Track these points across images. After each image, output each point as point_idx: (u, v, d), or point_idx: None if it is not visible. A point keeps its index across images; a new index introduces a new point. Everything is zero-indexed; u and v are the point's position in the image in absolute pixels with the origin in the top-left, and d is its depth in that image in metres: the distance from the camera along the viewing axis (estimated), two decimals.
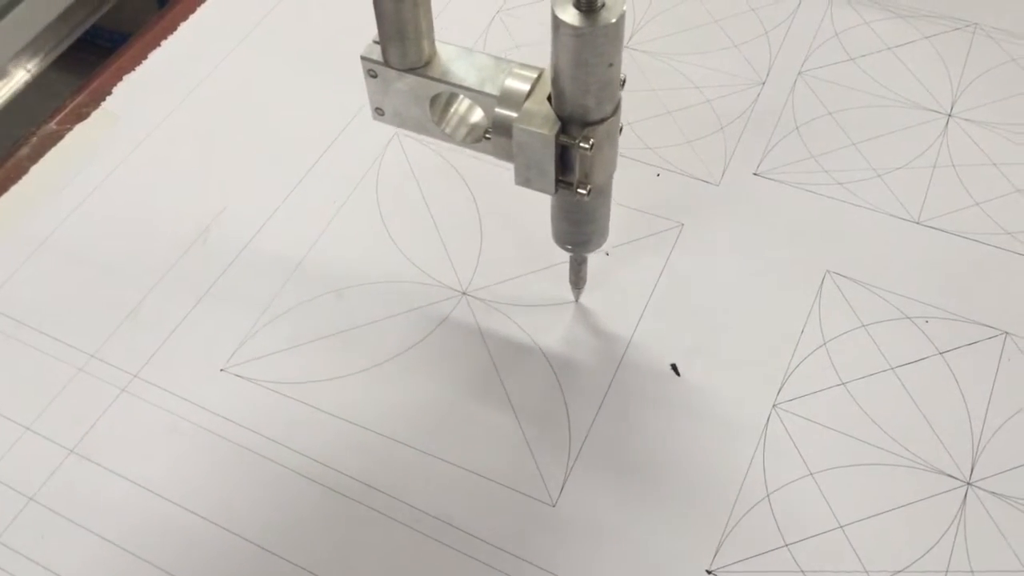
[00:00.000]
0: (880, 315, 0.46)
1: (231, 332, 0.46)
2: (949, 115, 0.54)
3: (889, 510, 0.40)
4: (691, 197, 0.51)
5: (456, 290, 0.48)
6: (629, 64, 0.57)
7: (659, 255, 0.48)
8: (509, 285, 0.48)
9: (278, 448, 0.43)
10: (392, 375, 0.45)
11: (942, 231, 0.49)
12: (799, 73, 0.56)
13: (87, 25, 0.63)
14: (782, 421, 0.43)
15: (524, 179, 0.38)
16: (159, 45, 0.59)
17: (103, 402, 0.44)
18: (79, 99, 0.56)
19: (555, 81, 0.35)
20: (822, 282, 0.47)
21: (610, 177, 0.39)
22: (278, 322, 0.47)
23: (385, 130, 0.54)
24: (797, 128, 0.53)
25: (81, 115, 0.55)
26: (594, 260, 0.48)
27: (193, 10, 0.61)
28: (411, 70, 0.38)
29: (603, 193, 0.40)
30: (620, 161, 0.52)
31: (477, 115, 0.39)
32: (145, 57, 0.58)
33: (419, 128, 0.40)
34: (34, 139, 0.54)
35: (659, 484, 0.41)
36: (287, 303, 0.47)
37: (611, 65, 0.34)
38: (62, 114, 0.56)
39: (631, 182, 0.51)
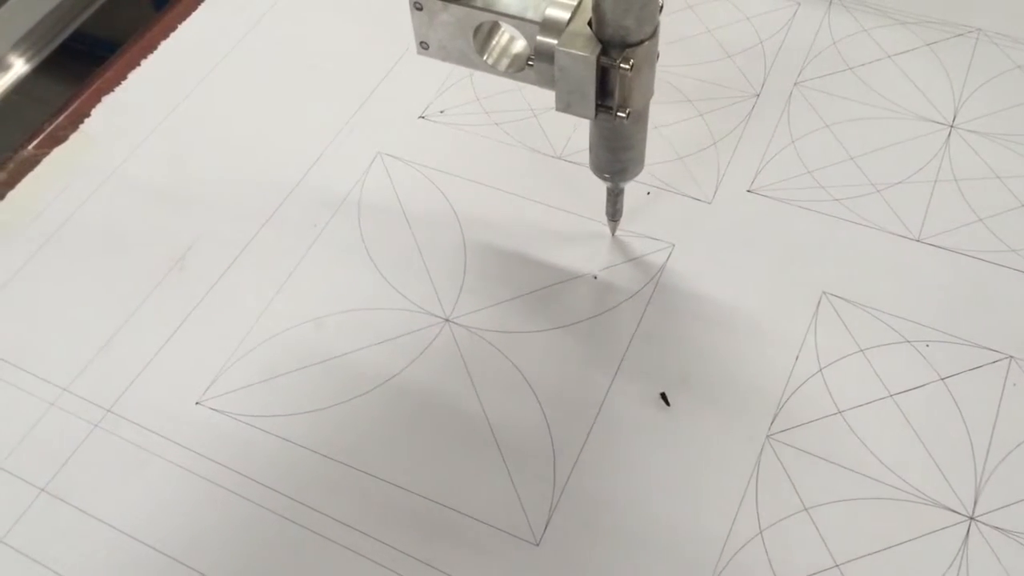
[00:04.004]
0: (879, 339, 0.44)
1: (207, 364, 0.45)
2: (951, 126, 0.52)
3: (888, 547, 0.39)
4: (682, 216, 0.49)
5: (439, 317, 0.46)
6: None
7: (648, 277, 0.47)
8: (494, 311, 0.46)
9: (253, 485, 0.41)
10: (372, 407, 0.43)
11: (944, 249, 0.47)
12: (795, 84, 0.54)
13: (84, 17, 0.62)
14: (776, 453, 0.41)
15: (565, 104, 0.39)
16: (138, 64, 0.57)
17: (76, 438, 0.43)
18: (57, 121, 0.55)
19: (597, 4, 0.36)
20: (818, 304, 0.45)
21: (648, 102, 0.40)
22: (255, 353, 0.45)
23: (368, 151, 0.53)
24: (793, 142, 0.51)
25: (58, 139, 0.54)
26: (582, 286, 0.47)
27: (174, 28, 0.59)
28: (456, 1, 0.40)
29: (641, 119, 0.41)
30: None
31: (518, 45, 0.41)
32: (124, 77, 0.57)
33: (463, 61, 0.42)
34: (11, 164, 0.53)
35: (647, 521, 0.40)
36: (265, 333, 0.46)
37: None
38: (40, 137, 0.54)
39: None
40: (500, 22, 0.40)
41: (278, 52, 0.58)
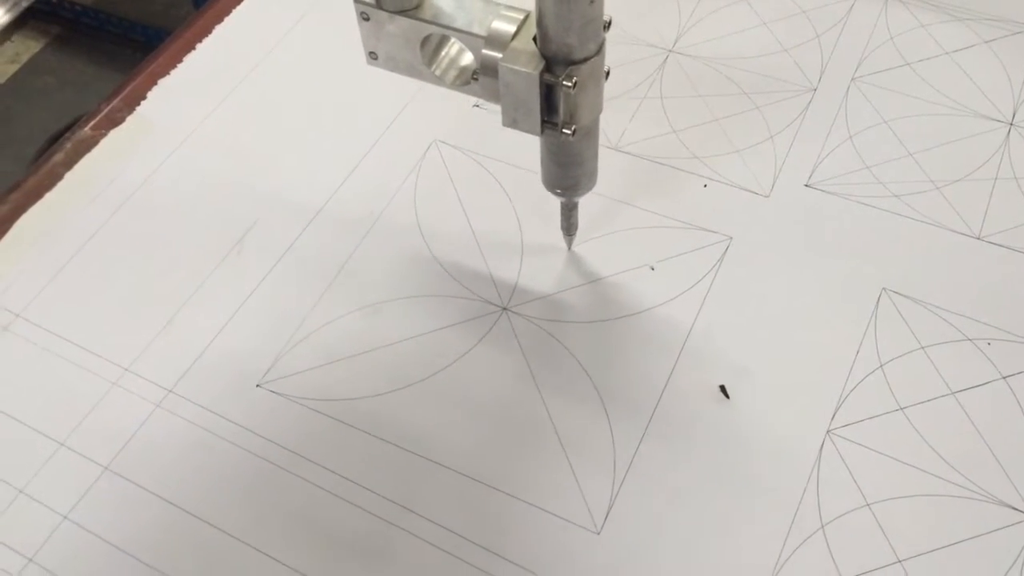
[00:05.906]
0: (940, 336, 0.44)
1: (267, 346, 0.45)
2: (1011, 124, 0.51)
3: (950, 544, 0.39)
4: (740, 209, 0.49)
5: (496, 305, 0.46)
6: (675, 69, 0.55)
7: (706, 270, 0.47)
8: (552, 300, 0.46)
9: (312, 467, 0.42)
10: (430, 393, 0.44)
11: (1005, 247, 0.47)
12: (852, 79, 0.54)
13: None
14: (837, 448, 0.41)
15: (511, 120, 0.39)
16: (194, 48, 0.58)
17: (138, 418, 0.44)
18: (113, 104, 0.56)
19: (540, 20, 0.36)
20: (878, 300, 0.45)
21: (596, 119, 0.40)
22: (314, 337, 0.46)
23: (423, 138, 0.53)
24: (851, 137, 0.51)
25: (115, 120, 0.55)
26: (640, 277, 0.47)
27: (228, 12, 0.60)
28: (402, 12, 0.39)
29: (590, 135, 0.41)
30: (666, 171, 0.50)
31: (467, 58, 0.41)
32: (180, 61, 0.57)
33: (411, 71, 0.41)
34: (68, 145, 0.54)
35: (708, 512, 0.40)
36: (323, 317, 0.46)
37: (592, 2, 0.34)
38: (96, 119, 0.55)
39: (677, 193, 0.49)
40: (447, 35, 0.39)
41: (331, 38, 0.58)
